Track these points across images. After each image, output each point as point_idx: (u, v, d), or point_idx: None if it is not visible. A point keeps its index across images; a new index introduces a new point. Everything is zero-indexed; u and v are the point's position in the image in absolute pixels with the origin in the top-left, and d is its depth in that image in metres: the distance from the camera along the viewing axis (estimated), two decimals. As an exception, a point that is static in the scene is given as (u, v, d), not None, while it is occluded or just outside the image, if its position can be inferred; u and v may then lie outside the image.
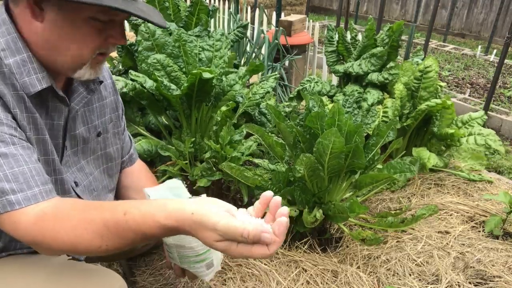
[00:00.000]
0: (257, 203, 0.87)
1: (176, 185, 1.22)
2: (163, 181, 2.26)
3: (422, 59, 2.62)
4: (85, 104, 1.15)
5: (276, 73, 2.55)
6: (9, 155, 0.87)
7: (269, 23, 4.78)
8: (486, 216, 2.04)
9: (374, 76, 2.55)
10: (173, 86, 1.90)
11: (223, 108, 2.04)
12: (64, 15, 0.91)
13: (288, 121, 1.81)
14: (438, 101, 2.15)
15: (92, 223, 0.84)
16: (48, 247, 0.87)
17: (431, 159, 2.23)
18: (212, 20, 4.83)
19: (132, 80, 2.08)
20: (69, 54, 0.97)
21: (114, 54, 2.28)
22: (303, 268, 1.64)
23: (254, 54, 3.59)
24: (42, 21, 0.92)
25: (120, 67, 2.68)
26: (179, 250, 1.16)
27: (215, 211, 0.81)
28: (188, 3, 2.67)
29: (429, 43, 4.94)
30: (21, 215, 0.86)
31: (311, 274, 1.61)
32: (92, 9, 0.91)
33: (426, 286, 1.60)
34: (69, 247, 0.86)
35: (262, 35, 3.72)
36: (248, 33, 3.94)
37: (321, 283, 1.58)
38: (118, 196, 1.37)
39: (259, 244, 0.77)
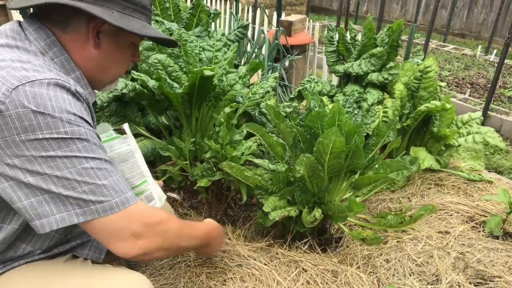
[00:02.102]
0: None
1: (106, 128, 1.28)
2: (163, 181, 2.26)
3: (422, 59, 2.62)
4: None
5: (276, 73, 2.55)
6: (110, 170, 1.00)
7: (269, 23, 4.78)
8: (486, 216, 2.04)
9: (374, 76, 2.55)
10: (175, 84, 1.90)
11: (227, 110, 2.04)
12: (117, 42, 1.09)
13: (288, 121, 1.81)
14: (438, 103, 2.15)
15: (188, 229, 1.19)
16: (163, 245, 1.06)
17: (426, 160, 2.24)
18: (212, 20, 4.82)
19: (133, 80, 2.08)
20: (113, 73, 1.16)
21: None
22: (303, 268, 1.64)
23: (254, 54, 3.59)
24: (98, 49, 1.07)
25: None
26: None
27: None
28: (189, 4, 2.67)
29: (429, 43, 4.94)
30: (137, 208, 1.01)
31: (311, 274, 1.61)
32: (135, 36, 1.10)
33: (426, 286, 1.60)
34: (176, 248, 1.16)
35: (263, 35, 3.72)
36: (249, 33, 3.94)
37: (321, 283, 1.58)
38: None
39: None
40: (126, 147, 1.23)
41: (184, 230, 1.16)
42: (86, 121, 0.96)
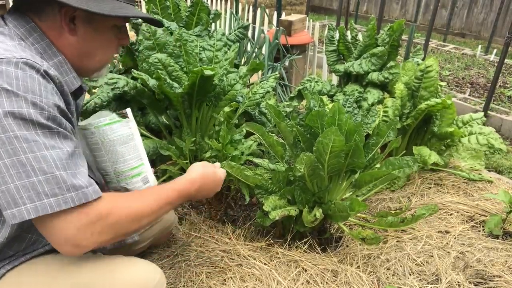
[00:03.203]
0: None
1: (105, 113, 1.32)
2: (164, 181, 2.26)
3: (422, 59, 2.62)
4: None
5: (277, 73, 2.55)
6: (77, 154, 0.97)
7: (269, 22, 4.78)
8: (486, 216, 2.04)
9: (374, 76, 2.55)
10: (175, 84, 1.90)
11: (226, 109, 2.04)
12: (94, 27, 1.07)
13: (288, 120, 1.81)
14: (438, 100, 2.15)
15: (146, 197, 1.09)
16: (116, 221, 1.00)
17: (432, 156, 2.23)
18: (212, 20, 4.82)
19: (133, 79, 2.08)
20: (98, 59, 1.14)
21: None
22: (303, 268, 1.64)
23: (254, 54, 3.59)
24: (75, 35, 1.06)
25: (120, 66, 2.68)
26: (114, 167, 1.27)
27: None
28: (189, 3, 2.67)
29: (429, 42, 4.94)
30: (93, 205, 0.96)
31: (311, 274, 1.61)
32: (116, 18, 1.09)
33: (426, 286, 1.60)
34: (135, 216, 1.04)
35: (263, 35, 3.72)
36: (249, 33, 3.94)
37: (321, 283, 1.58)
38: None
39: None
40: (127, 130, 1.27)
41: (137, 213, 1.04)
42: (55, 104, 0.93)
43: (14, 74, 0.89)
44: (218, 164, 1.43)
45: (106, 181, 1.31)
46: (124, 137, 1.26)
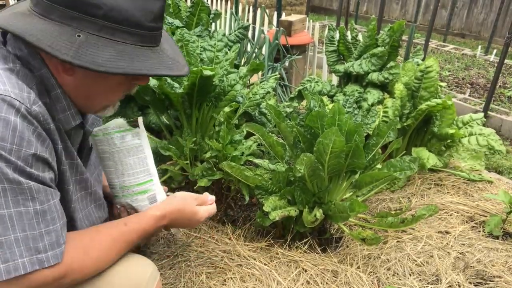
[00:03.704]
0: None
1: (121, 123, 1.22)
2: (164, 181, 2.26)
3: (422, 59, 2.62)
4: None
5: (277, 73, 2.55)
6: (47, 212, 0.86)
7: (269, 23, 4.78)
8: (486, 216, 2.04)
9: (374, 76, 2.55)
10: (176, 84, 1.90)
11: (226, 109, 2.04)
12: (92, 74, 0.88)
13: (288, 121, 1.81)
14: (439, 101, 2.15)
15: (104, 245, 0.99)
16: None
17: (430, 159, 2.23)
18: (213, 20, 4.83)
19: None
20: (99, 102, 1.01)
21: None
22: (303, 268, 1.64)
23: (254, 54, 3.59)
24: (72, 75, 0.92)
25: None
26: (121, 180, 1.20)
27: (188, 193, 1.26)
28: (189, 3, 2.67)
29: (429, 43, 4.94)
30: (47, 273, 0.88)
31: (311, 274, 1.61)
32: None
33: (426, 286, 1.60)
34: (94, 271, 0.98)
35: (263, 35, 3.72)
36: (249, 33, 3.94)
37: (321, 283, 1.58)
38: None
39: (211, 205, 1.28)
40: (136, 141, 1.20)
41: (95, 267, 0.97)
42: (31, 154, 0.82)
43: None
44: (211, 198, 1.32)
45: (113, 194, 1.25)
46: (133, 148, 1.19)
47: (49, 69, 0.91)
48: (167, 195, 1.27)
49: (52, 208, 0.87)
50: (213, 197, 1.32)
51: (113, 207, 1.29)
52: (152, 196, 1.23)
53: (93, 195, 1.13)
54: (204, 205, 1.27)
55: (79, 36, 0.83)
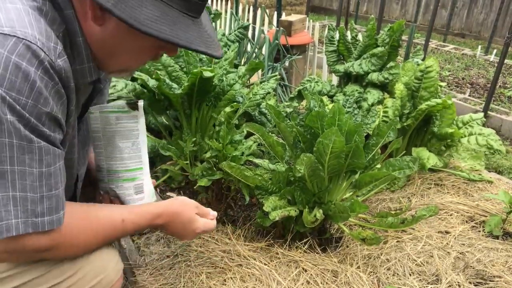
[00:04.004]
0: None
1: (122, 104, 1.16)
2: (164, 181, 2.26)
3: (422, 59, 2.62)
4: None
5: (277, 73, 2.55)
6: (52, 176, 0.83)
7: (270, 23, 4.78)
8: (486, 216, 2.04)
9: (374, 76, 2.55)
10: (174, 85, 1.90)
11: (227, 109, 2.04)
12: (128, 29, 0.79)
13: (288, 121, 1.81)
14: (439, 100, 2.15)
15: (100, 234, 0.98)
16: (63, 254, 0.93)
17: (430, 159, 2.23)
18: (212, 20, 4.83)
19: (133, 80, 2.08)
20: (122, 62, 0.93)
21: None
22: (303, 268, 1.64)
23: (254, 54, 3.59)
24: (101, 26, 0.84)
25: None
26: (109, 163, 1.14)
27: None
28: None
29: (429, 43, 4.94)
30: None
31: (311, 274, 1.61)
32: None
33: (426, 286, 1.60)
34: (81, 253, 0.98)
35: (263, 35, 3.72)
36: (249, 33, 3.94)
37: (321, 283, 1.58)
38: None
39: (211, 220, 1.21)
40: (132, 124, 1.13)
41: (83, 249, 0.97)
42: (45, 113, 0.77)
43: (5, 60, 0.70)
44: (214, 213, 1.25)
45: (98, 178, 1.19)
46: (128, 131, 1.13)
47: (76, 12, 0.83)
48: (171, 197, 1.25)
49: (57, 171, 0.83)
50: (215, 213, 1.25)
51: (96, 192, 1.23)
52: (139, 186, 1.17)
53: (70, 170, 1.06)
54: (204, 217, 1.20)
55: None
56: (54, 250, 0.88)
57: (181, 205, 1.15)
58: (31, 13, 0.76)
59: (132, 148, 1.15)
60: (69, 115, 0.89)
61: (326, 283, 1.59)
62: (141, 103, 1.14)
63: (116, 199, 1.17)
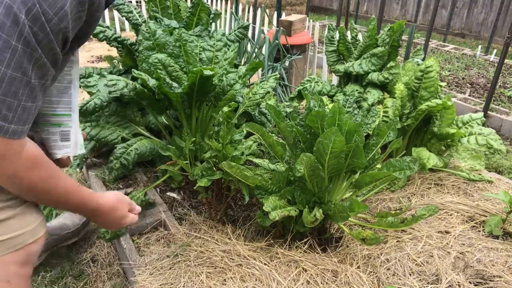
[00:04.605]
0: None
1: None
2: (164, 181, 2.26)
3: (422, 59, 2.62)
4: None
5: (277, 73, 2.55)
6: (36, 88, 0.89)
7: (270, 23, 4.78)
8: (486, 216, 2.04)
9: (374, 76, 2.55)
10: (175, 84, 1.90)
11: (225, 109, 2.04)
12: None
13: (288, 120, 1.81)
14: (439, 101, 2.15)
15: (57, 182, 1.02)
16: (19, 182, 0.96)
17: (431, 159, 2.23)
18: (212, 20, 4.84)
19: (133, 79, 2.08)
20: None
21: (114, 54, 2.28)
22: (303, 268, 1.64)
23: (254, 54, 3.59)
24: None
25: (120, 67, 2.68)
26: (42, 105, 1.12)
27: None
28: (189, 4, 2.67)
29: (429, 43, 4.94)
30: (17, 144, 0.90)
31: (311, 274, 1.61)
32: None
33: (426, 286, 1.60)
34: (31, 191, 1.00)
35: (263, 35, 3.72)
36: (249, 33, 3.94)
37: (321, 283, 1.58)
38: None
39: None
40: (66, 69, 1.11)
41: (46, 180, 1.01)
42: (60, 29, 0.86)
43: None
44: (138, 208, 1.35)
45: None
46: (60, 75, 1.11)
47: None
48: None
49: (41, 87, 0.90)
50: (139, 208, 1.35)
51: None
52: (65, 133, 1.16)
53: None
54: (132, 212, 1.31)
55: None
56: (7, 162, 0.90)
57: (118, 202, 1.25)
58: None
59: (63, 91, 1.14)
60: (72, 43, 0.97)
61: (326, 283, 1.58)
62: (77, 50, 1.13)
63: (41, 143, 1.17)
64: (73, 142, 1.19)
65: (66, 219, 1.95)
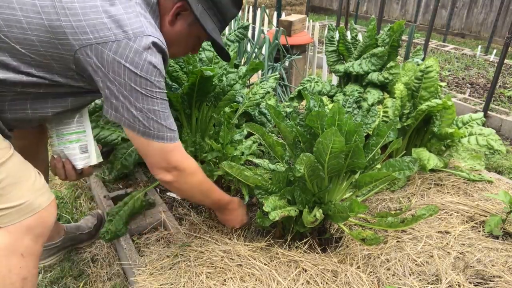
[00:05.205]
0: None
1: None
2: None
3: (422, 59, 2.62)
4: None
5: (277, 73, 2.55)
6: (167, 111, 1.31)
7: (269, 23, 4.78)
8: (486, 216, 2.04)
9: (374, 76, 2.55)
10: (175, 85, 1.90)
11: (226, 109, 2.04)
12: (187, 29, 1.32)
13: (288, 120, 1.81)
14: (439, 101, 2.15)
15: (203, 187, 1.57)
16: (180, 185, 1.45)
17: (431, 160, 2.23)
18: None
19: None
20: (171, 51, 1.34)
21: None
22: (303, 268, 1.64)
23: (254, 54, 3.59)
24: (171, 26, 1.30)
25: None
26: (57, 128, 1.40)
27: None
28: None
29: (429, 43, 4.94)
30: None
31: (311, 274, 1.61)
32: (204, 33, 1.32)
33: (426, 286, 1.60)
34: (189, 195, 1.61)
35: (263, 35, 3.72)
36: (249, 33, 3.94)
37: (321, 283, 1.58)
38: None
39: None
40: None
41: (202, 186, 1.52)
42: (163, 76, 1.23)
43: (144, 57, 1.14)
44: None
45: (51, 143, 1.44)
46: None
47: (160, 13, 1.28)
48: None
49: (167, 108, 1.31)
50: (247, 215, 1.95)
51: (50, 156, 1.50)
52: (83, 146, 1.43)
53: None
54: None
55: (198, 5, 1.26)
56: (177, 172, 1.38)
57: (242, 203, 1.82)
58: (141, 15, 1.19)
59: (77, 114, 1.41)
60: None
61: (326, 283, 1.58)
62: None
63: (66, 160, 1.44)
64: (91, 153, 1.44)
65: (81, 223, 2.02)
